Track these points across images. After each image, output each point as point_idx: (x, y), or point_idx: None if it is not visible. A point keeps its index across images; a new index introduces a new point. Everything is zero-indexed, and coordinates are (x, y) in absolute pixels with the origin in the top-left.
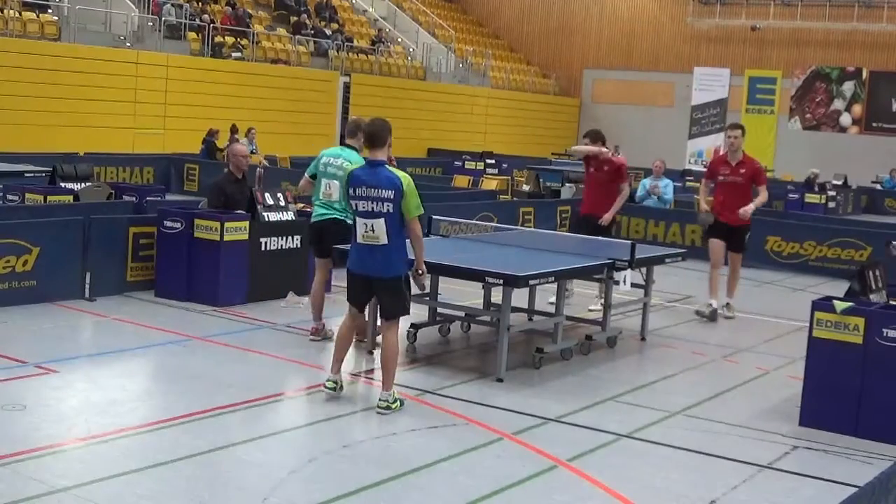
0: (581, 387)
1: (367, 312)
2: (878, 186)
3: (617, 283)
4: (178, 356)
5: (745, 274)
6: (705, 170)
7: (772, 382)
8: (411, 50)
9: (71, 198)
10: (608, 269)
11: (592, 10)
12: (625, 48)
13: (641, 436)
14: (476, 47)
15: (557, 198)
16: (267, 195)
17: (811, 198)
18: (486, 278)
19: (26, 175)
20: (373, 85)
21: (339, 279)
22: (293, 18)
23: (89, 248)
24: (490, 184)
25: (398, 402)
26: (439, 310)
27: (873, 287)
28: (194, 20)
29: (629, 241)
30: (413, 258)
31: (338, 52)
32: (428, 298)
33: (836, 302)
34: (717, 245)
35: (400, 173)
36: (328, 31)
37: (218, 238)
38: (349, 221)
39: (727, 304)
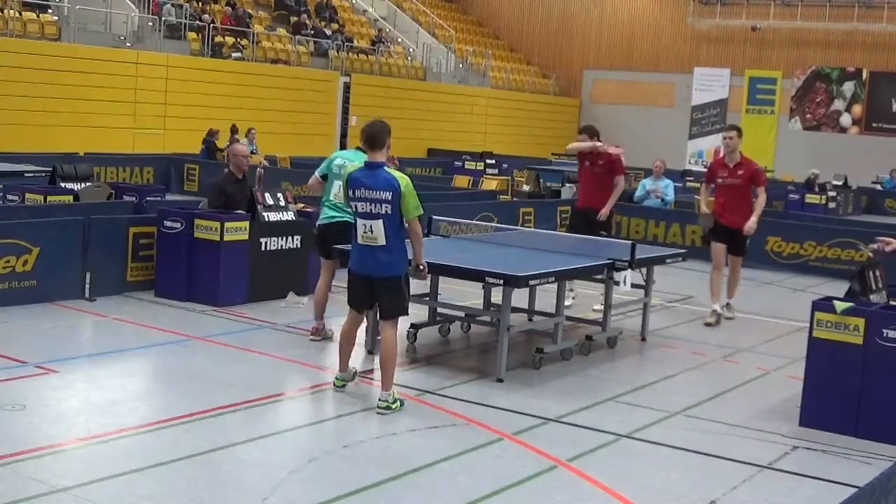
0: (581, 387)
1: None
2: (879, 187)
3: (617, 283)
4: (178, 356)
5: (745, 274)
6: (705, 170)
7: (772, 382)
8: (411, 50)
9: (71, 198)
10: (608, 269)
11: (592, 10)
12: (625, 48)
13: (641, 436)
14: (476, 47)
15: (557, 198)
16: (267, 195)
17: (811, 198)
18: (486, 278)
19: (26, 175)
20: (373, 85)
21: (340, 279)
22: (293, 18)
23: (89, 248)
24: (490, 184)
25: (398, 402)
26: (439, 310)
27: (873, 287)
28: (194, 20)
29: (629, 242)
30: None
31: (338, 52)
32: (428, 298)
33: (836, 302)
34: (718, 248)
35: (398, 175)
36: (328, 31)
37: (218, 238)
38: None
39: (727, 304)
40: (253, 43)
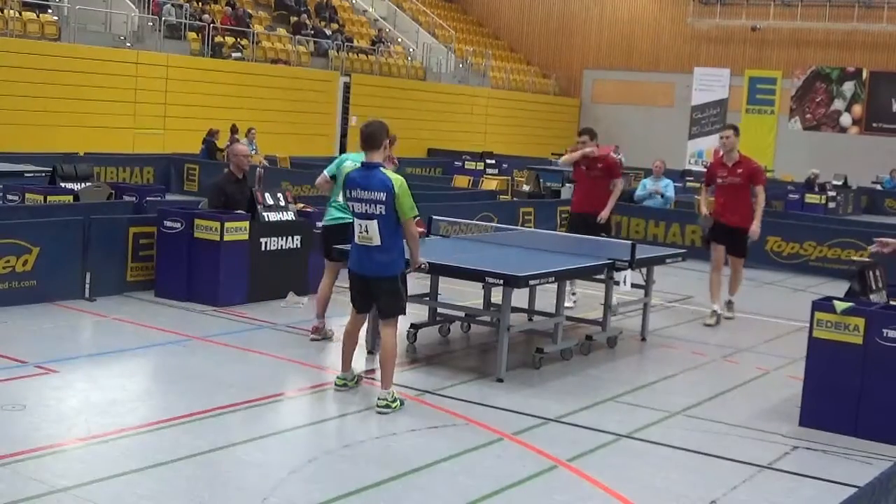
0: (581, 387)
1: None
2: (879, 187)
3: (617, 283)
4: (178, 356)
5: (745, 274)
6: (705, 170)
7: (772, 382)
8: (411, 50)
9: (71, 198)
10: (608, 269)
11: (592, 10)
12: (625, 48)
13: (641, 436)
14: (476, 47)
15: (557, 198)
16: (267, 195)
17: (811, 198)
18: (486, 278)
19: (26, 175)
20: (373, 85)
21: (341, 280)
22: (293, 18)
23: (89, 248)
24: (490, 184)
25: (398, 401)
26: (439, 310)
27: (873, 287)
28: (194, 20)
29: (629, 242)
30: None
31: (338, 52)
32: (428, 298)
33: (836, 302)
34: (717, 248)
35: (393, 175)
36: (328, 31)
37: (218, 238)
38: None
39: (729, 301)
40: (253, 43)
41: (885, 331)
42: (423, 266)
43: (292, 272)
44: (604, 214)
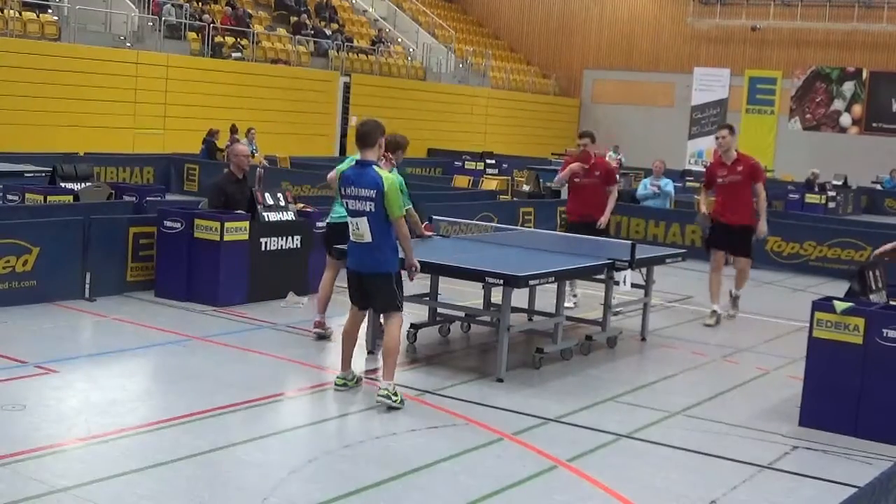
0: (581, 387)
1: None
2: (878, 187)
3: (617, 283)
4: (178, 356)
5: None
6: (705, 170)
7: (772, 382)
8: (411, 50)
9: (71, 198)
10: (608, 269)
11: (592, 10)
12: (625, 48)
13: (641, 436)
14: (476, 47)
15: (557, 198)
16: (267, 195)
17: (811, 198)
18: (486, 278)
19: (26, 175)
20: (373, 85)
21: (341, 279)
22: (293, 18)
23: (89, 248)
24: (490, 184)
25: (399, 395)
26: (439, 310)
27: (873, 287)
28: (194, 20)
29: (629, 242)
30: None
31: (338, 52)
32: (428, 298)
33: (836, 302)
34: (717, 251)
35: (385, 173)
36: (328, 31)
37: (218, 238)
38: None
39: (735, 297)
40: (253, 43)
41: (885, 331)
42: (415, 267)
43: (292, 272)
44: (603, 220)
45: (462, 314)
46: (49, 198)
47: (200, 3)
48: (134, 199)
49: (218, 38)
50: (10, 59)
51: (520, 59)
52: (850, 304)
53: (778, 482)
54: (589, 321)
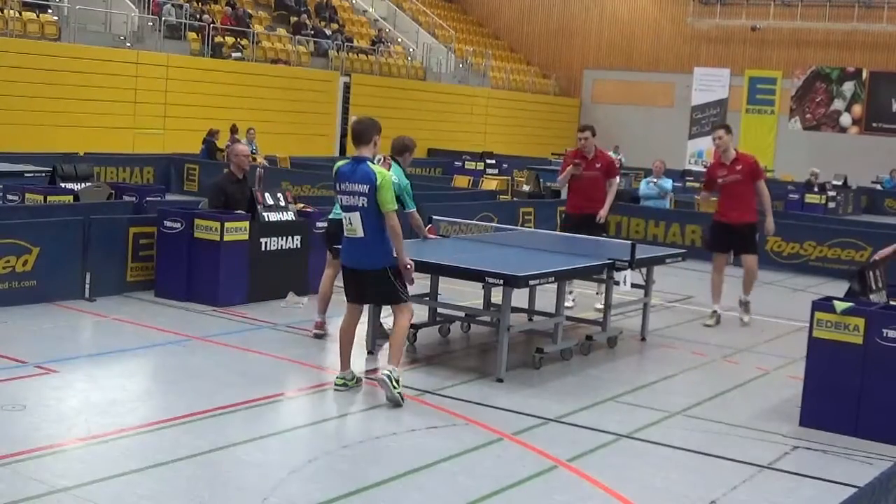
0: (581, 387)
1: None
2: (878, 187)
3: (617, 283)
4: (178, 356)
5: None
6: (705, 170)
7: (772, 382)
8: (411, 50)
9: (71, 198)
10: (608, 269)
11: (592, 10)
12: (625, 48)
13: (641, 436)
14: (476, 48)
15: (557, 198)
16: (267, 195)
17: (811, 198)
18: (486, 278)
19: (26, 175)
20: (373, 85)
21: (339, 279)
22: (293, 18)
23: (89, 248)
24: (490, 184)
25: (400, 386)
26: (439, 310)
27: (873, 287)
28: (194, 20)
29: (629, 242)
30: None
31: (338, 52)
32: (428, 298)
33: (836, 302)
34: (720, 253)
35: (378, 169)
36: (328, 32)
37: (218, 238)
38: None
39: (745, 302)
40: (253, 43)
41: (885, 331)
42: (408, 265)
43: (292, 272)
44: (602, 213)
45: (462, 314)
46: (49, 198)
47: (200, 3)
48: (134, 199)
49: (218, 38)
50: (10, 59)
51: (520, 59)
52: (850, 304)
53: (778, 482)
54: (589, 321)
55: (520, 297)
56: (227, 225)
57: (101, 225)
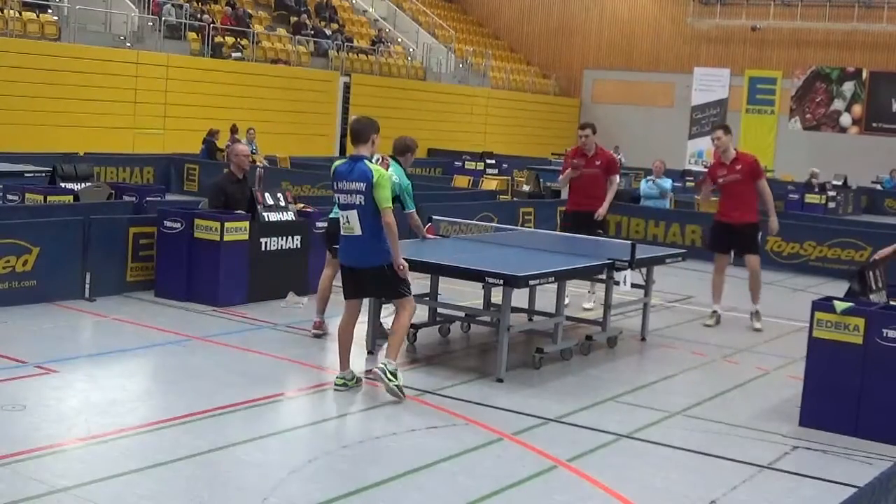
0: (581, 387)
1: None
2: (878, 187)
3: (617, 283)
4: (178, 356)
5: (745, 274)
6: (705, 170)
7: (772, 382)
8: (411, 50)
9: (71, 198)
10: (608, 269)
11: (592, 10)
12: (625, 48)
13: (641, 436)
14: (476, 47)
15: (557, 198)
16: (267, 195)
17: (811, 198)
18: (486, 278)
19: (26, 175)
20: (373, 85)
21: (338, 279)
22: (293, 18)
23: (89, 248)
24: (490, 184)
25: (398, 378)
26: (439, 310)
27: (873, 287)
28: (194, 20)
29: (629, 242)
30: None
31: (338, 52)
32: (428, 298)
33: (836, 302)
34: (721, 254)
35: (375, 168)
36: (328, 32)
37: (218, 238)
38: None
39: (755, 312)
40: (253, 43)
41: (885, 331)
42: (402, 266)
43: (292, 272)
44: (601, 211)
45: (462, 314)
46: (49, 198)
47: (200, 3)
48: (134, 199)
49: (218, 38)
50: (10, 59)
51: (520, 59)
52: (850, 304)
53: (778, 482)
54: (589, 321)
55: (520, 297)
56: (227, 225)
57: (101, 225)
